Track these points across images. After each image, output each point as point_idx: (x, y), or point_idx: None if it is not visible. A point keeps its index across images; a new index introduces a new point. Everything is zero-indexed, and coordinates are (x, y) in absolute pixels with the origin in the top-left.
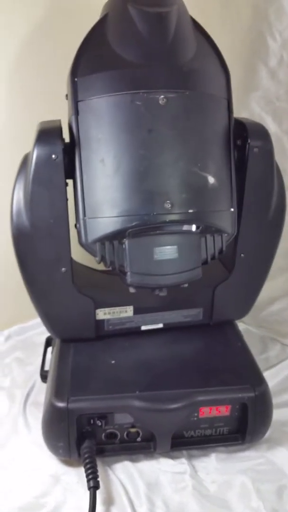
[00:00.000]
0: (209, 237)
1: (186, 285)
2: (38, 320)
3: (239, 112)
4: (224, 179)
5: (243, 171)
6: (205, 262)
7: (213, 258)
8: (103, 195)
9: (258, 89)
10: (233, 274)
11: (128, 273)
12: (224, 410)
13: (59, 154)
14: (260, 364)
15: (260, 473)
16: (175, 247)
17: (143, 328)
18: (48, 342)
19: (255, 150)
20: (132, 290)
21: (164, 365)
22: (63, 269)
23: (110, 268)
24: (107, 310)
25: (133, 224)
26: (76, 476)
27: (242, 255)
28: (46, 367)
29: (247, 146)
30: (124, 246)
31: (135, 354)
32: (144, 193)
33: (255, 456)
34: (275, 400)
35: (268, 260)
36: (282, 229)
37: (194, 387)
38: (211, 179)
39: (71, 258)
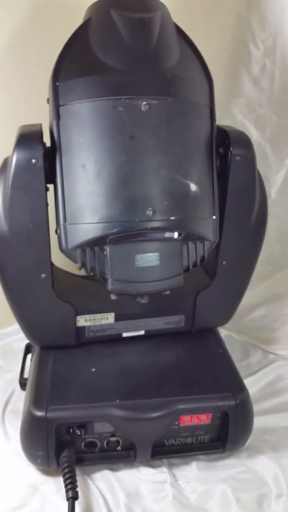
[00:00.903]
0: (191, 244)
1: (167, 292)
2: (17, 326)
3: (221, 119)
4: (206, 187)
5: (225, 179)
6: (186, 270)
7: (194, 265)
8: (84, 201)
9: (241, 96)
10: (215, 281)
11: (109, 280)
12: (205, 419)
13: (39, 159)
14: (241, 370)
15: (240, 481)
16: (157, 254)
17: (125, 335)
18: (28, 349)
19: (237, 158)
20: (113, 297)
21: (144, 373)
22: (43, 275)
23: (92, 274)
24: (87, 317)
25: (114, 230)
26: (55, 486)
27: (224, 262)
28: (26, 375)
29: (229, 154)
30: (105, 252)
31: (116, 362)
32: (126, 199)
33: (236, 464)
34: (256, 408)
35: (250, 268)
36: (264, 237)
37: (175, 396)
38: (193, 187)
39: (52, 264)
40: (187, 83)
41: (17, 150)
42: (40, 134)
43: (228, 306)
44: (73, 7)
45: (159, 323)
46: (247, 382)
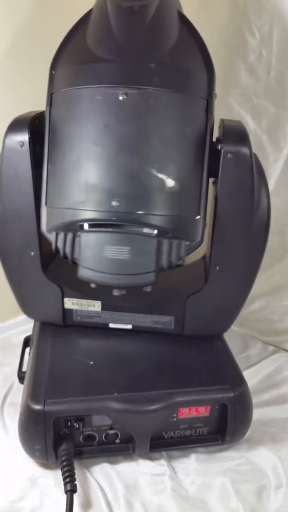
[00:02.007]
0: (167, 242)
1: (148, 289)
2: (16, 319)
3: (217, 109)
4: (190, 184)
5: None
6: (162, 269)
7: (170, 265)
8: (61, 185)
9: (237, 86)
10: (207, 286)
11: (80, 267)
12: (203, 411)
13: (25, 143)
14: (241, 362)
15: (239, 473)
16: (128, 248)
17: (111, 325)
18: (26, 343)
19: (229, 156)
20: (92, 285)
21: (142, 365)
22: (32, 253)
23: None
24: (75, 300)
25: (80, 218)
26: (53, 479)
27: (217, 267)
28: (24, 368)
29: (221, 150)
30: (78, 239)
31: (114, 355)
32: (94, 188)
33: (235, 457)
34: (255, 400)
35: (248, 277)
36: (265, 244)
37: (173, 388)
38: (170, 182)
39: (41, 244)
40: (177, 73)
41: (7, 134)
42: (28, 120)
43: (222, 315)
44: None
45: (146, 320)
46: (246, 374)
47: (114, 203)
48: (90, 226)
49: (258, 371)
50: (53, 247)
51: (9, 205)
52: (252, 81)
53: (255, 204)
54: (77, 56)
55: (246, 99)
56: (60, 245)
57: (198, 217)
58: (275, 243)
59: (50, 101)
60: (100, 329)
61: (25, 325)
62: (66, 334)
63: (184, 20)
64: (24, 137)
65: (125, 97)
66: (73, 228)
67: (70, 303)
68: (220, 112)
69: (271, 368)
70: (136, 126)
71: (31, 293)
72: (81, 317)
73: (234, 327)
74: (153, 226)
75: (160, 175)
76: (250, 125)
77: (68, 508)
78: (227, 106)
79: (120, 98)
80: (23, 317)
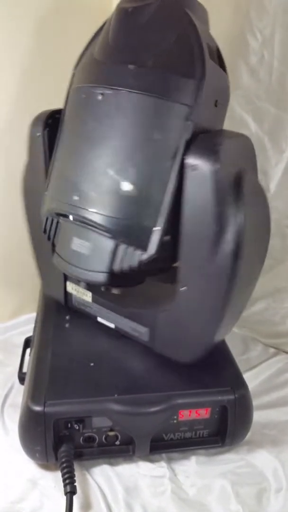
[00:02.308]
0: (122, 247)
1: (116, 291)
2: (18, 320)
3: None
4: (151, 192)
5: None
6: (113, 272)
7: (122, 272)
8: (51, 175)
9: (239, 88)
10: (173, 306)
11: (55, 252)
12: (203, 413)
13: (40, 133)
14: (241, 365)
15: (240, 476)
16: (89, 244)
17: (99, 319)
18: (27, 343)
19: (191, 170)
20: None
21: (143, 367)
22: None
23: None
24: (73, 286)
25: (51, 206)
26: (54, 481)
27: (184, 288)
28: (25, 369)
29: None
30: (59, 226)
31: (114, 357)
32: (66, 180)
33: (235, 459)
34: (255, 402)
35: (217, 307)
36: (235, 274)
37: (173, 390)
38: (127, 186)
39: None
40: (156, 76)
41: (30, 126)
42: (46, 115)
43: (189, 342)
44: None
45: (126, 325)
46: (247, 376)
47: (75, 197)
48: (58, 214)
49: (258, 373)
50: (42, 229)
51: (31, 185)
52: (253, 83)
53: (217, 228)
54: (86, 57)
55: (247, 101)
56: (47, 228)
57: (155, 228)
58: (276, 245)
59: (66, 99)
60: (100, 330)
61: (26, 326)
62: (66, 335)
63: (190, 23)
64: (40, 128)
65: (102, 97)
66: (54, 214)
67: (70, 287)
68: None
69: (272, 371)
70: (106, 126)
71: (45, 268)
72: (78, 303)
73: (234, 329)
74: (102, 227)
75: (117, 177)
76: (252, 128)
77: (67, 509)
78: (230, 109)
79: (99, 98)
80: (24, 317)
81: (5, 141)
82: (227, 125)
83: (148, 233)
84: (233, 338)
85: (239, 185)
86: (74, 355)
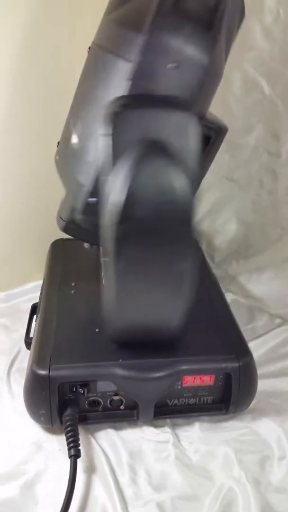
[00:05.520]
0: (68, 199)
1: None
2: (25, 287)
3: (232, 74)
4: (89, 149)
5: None
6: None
7: (74, 222)
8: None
9: (252, 49)
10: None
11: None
12: (207, 380)
13: None
14: (247, 334)
15: (243, 443)
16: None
17: None
18: (34, 310)
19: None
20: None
21: None
22: None
23: None
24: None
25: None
26: (58, 444)
27: (105, 259)
28: (31, 335)
29: None
30: None
31: None
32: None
33: (239, 426)
34: (260, 371)
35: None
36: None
37: (178, 356)
38: (74, 138)
39: None
40: (115, 30)
41: None
42: None
43: None
44: None
45: None
46: (252, 345)
47: (56, 144)
48: None
49: (264, 343)
50: None
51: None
52: (268, 43)
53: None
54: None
55: (261, 63)
56: None
57: (84, 186)
58: (286, 213)
59: None
60: None
61: (33, 293)
62: (72, 301)
63: None
64: None
65: (89, 50)
66: None
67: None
68: (234, 77)
69: (278, 340)
70: (82, 80)
71: None
72: None
73: (241, 299)
74: (60, 176)
75: (71, 129)
76: (266, 90)
77: (71, 472)
78: (242, 71)
79: (87, 53)
80: (31, 285)
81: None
82: (240, 88)
83: (78, 189)
84: (239, 307)
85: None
86: (79, 321)
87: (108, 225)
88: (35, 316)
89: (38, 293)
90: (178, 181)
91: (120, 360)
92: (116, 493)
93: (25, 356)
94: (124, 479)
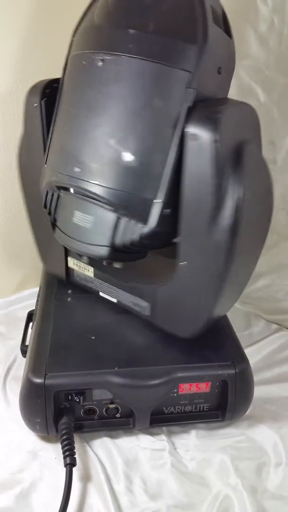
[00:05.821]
0: (124, 221)
1: (118, 266)
2: (21, 294)
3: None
4: (152, 163)
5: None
6: (115, 246)
7: (125, 245)
8: (51, 146)
9: (247, 57)
10: (173, 281)
11: (56, 227)
12: (204, 387)
13: (37, 103)
14: (243, 340)
15: (239, 450)
16: (91, 217)
17: (101, 294)
18: (30, 317)
19: (191, 141)
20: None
21: (144, 341)
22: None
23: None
24: (75, 261)
25: (52, 179)
26: (54, 452)
27: (184, 262)
28: (27, 342)
29: (184, 133)
30: (60, 200)
31: (116, 330)
32: (66, 152)
33: (235, 433)
34: (257, 377)
35: (215, 282)
36: (233, 250)
37: (174, 363)
38: (128, 157)
39: None
40: (156, 41)
41: (26, 96)
42: (43, 84)
43: (188, 316)
44: None
45: (127, 299)
46: (248, 351)
47: (76, 169)
48: (58, 188)
49: (260, 349)
50: (43, 204)
51: (27, 159)
52: (263, 51)
53: (214, 202)
54: (86, 23)
55: (256, 71)
56: (47, 203)
57: (156, 200)
58: (281, 219)
59: (65, 66)
60: (102, 305)
61: (30, 300)
62: (68, 309)
63: None
64: (36, 98)
65: (102, 63)
66: (58, 188)
67: (71, 262)
68: (230, 84)
69: (274, 346)
70: (107, 93)
71: (44, 245)
72: (79, 278)
73: (237, 305)
74: (104, 199)
75: (118, 147)
76: (261, 98)
77: (67, 481)
78: (238, 78)
79: (99, 64)
80: (27, 292)
81: (2, 112)
82: (236, 95)
83: (149, 205)
84: (236, 313)
85: (239, 157)
86: (75, 328)
87: (224, 224)
88: (31, 324)
89: (35, 300)
90: (270, 178)
91: (116, 368)
92: (112, 502)
93: (21, 364)
94: (119, 488)
